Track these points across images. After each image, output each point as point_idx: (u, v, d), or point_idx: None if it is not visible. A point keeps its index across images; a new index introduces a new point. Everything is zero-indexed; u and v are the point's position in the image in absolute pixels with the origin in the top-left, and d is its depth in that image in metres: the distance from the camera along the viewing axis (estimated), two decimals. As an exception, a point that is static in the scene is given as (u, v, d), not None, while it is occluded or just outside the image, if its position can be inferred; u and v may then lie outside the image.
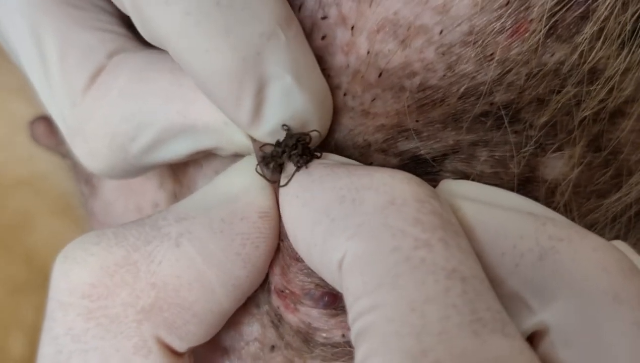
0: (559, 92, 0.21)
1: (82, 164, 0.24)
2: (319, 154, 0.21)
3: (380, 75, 0.21)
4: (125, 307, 0.20)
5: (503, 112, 0.21)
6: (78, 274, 0.20)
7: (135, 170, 0.25)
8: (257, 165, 0.22)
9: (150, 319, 0.20)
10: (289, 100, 0.21)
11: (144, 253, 0.20)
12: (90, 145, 0.24)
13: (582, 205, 0.23)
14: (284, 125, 0.21)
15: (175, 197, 0.27)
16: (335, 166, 0.20)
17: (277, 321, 0.23)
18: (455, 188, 0.21)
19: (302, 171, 0.21)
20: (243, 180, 0.22)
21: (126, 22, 0.25)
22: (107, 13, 0.25)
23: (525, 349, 0.17)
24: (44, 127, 0.34)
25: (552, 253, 0.19)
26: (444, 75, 0.21)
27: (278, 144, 0.21)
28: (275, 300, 0.23)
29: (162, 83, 0.22)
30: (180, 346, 0.21)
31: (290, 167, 0.21)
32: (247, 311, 0.23)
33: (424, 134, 0.22)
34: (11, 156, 0.42)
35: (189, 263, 0.20)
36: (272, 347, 0.23)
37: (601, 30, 0.20)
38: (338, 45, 0.22)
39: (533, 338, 0.19)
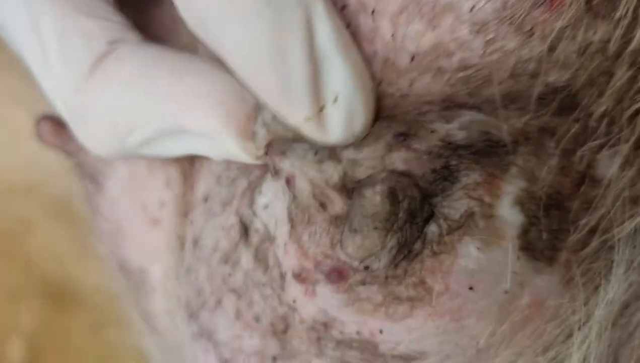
0: (612, 75, 0.20)
1: (85, 147, 0.25)
2: None
3: (412, 59, 0.21)
4: None
5: (562, 94, 0.20)
6: None
7: (132, 156, 0.25)
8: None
9: None
10: (337, 74, 0.20)
11: None
12: (91, 130, 0.25)
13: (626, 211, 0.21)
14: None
15: (184, 197, 0.27)
16: None
17: (283, 328, 0.23)
18: None
19: None
20: None
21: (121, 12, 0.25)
22: (103, 1, 0.25)
23: None
24: (51, 125, 0.34)
25: None
26: (484, 53, 0.20)
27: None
28: (293, 290, 0.22)
29: (162, 83, 0.23)
30: None
31: None
32: (247, 325, 0.23)
33: (486, 110, 0.21)
34: (9, 162, 0.42)
35: None
36: (274, 358, 0.23)
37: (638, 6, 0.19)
38: (362, 33, 0.21)
39: None
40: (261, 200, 0.23)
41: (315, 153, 0.22)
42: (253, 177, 0.24)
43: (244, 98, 0.22)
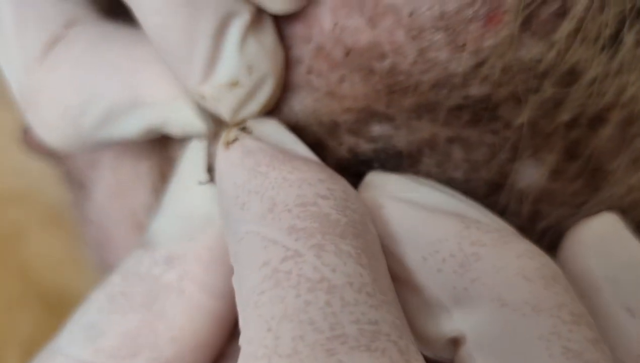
0: (537, 91, 0.20)
1: (39, 136, 0.24)
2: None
3: (347, 54, 0.21)
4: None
5: (479, 106, 0.21)
6: (103, 340, 0.21)
7: (92, 145, 0.24)
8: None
9: None
10: (247, 46, 0.20)
11: (157, 312, 0.21)
12: (43, 117, 0.23)
13: (551, 214, 0.22)
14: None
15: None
16: (251, 151, 0.20)
17: None
18: (382, 182, 0.21)
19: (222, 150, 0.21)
20: (207, 194, 0.22)
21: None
22: None
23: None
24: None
25: (474, 260, 0.18)
26: (415, 61, 0.20)
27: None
28: None
29: (114, 55, 0.22)
30: None
31: None
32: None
33: (397, 121, 0.21)
34: (2, 169, 0.42)
35: (198, 304, 0.21)
36: None
37: (578, 30, 0.19)
38: (300, 16, 0.21)
39: (456, 343, 0.19)
40: None
41: None
42: None
43: None
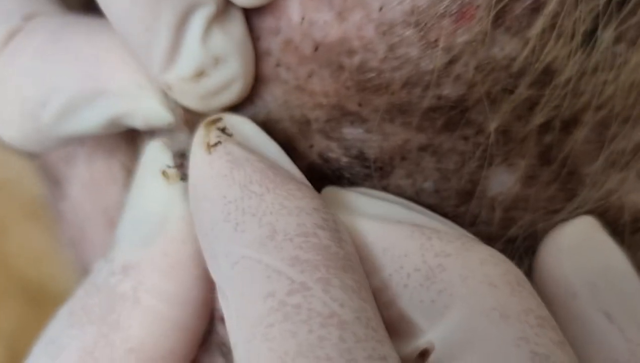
0: (511, 92, 0.20)
1: None
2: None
3: (316, 49, 0.20)
4: None
5: (453, 110, 0.20)
6: (62, 357, 0.20)
7: (52, 142, 0.23)
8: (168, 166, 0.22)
9: None
10: (211, 37, 0.20)
11: (112, 323, 0.20)
12: (1, 112, 0.23)
13: (525, 220, 0.22)
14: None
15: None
16: (238, 161, 0.20)
17: (227, 349, 0.22)
18: (337, 199, 0.21)
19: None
20: (160, 192, 0.21)
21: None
22: None
23: None
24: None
25: (439, 272, 0.18)
26: (385, 57, 0.20)
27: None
28: (221, 328, 0.22)
29: (74, 44, 0.21)
30: None
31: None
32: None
33: (370, 123, 0.21)
34: (-18, 163, 0.41)
35: (157, 315, 0.20)
36: None
37: (553, 26, 0.19)
38: (267, 4, 0.21)
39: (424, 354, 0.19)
40: None
41: None
42: None
43: None
